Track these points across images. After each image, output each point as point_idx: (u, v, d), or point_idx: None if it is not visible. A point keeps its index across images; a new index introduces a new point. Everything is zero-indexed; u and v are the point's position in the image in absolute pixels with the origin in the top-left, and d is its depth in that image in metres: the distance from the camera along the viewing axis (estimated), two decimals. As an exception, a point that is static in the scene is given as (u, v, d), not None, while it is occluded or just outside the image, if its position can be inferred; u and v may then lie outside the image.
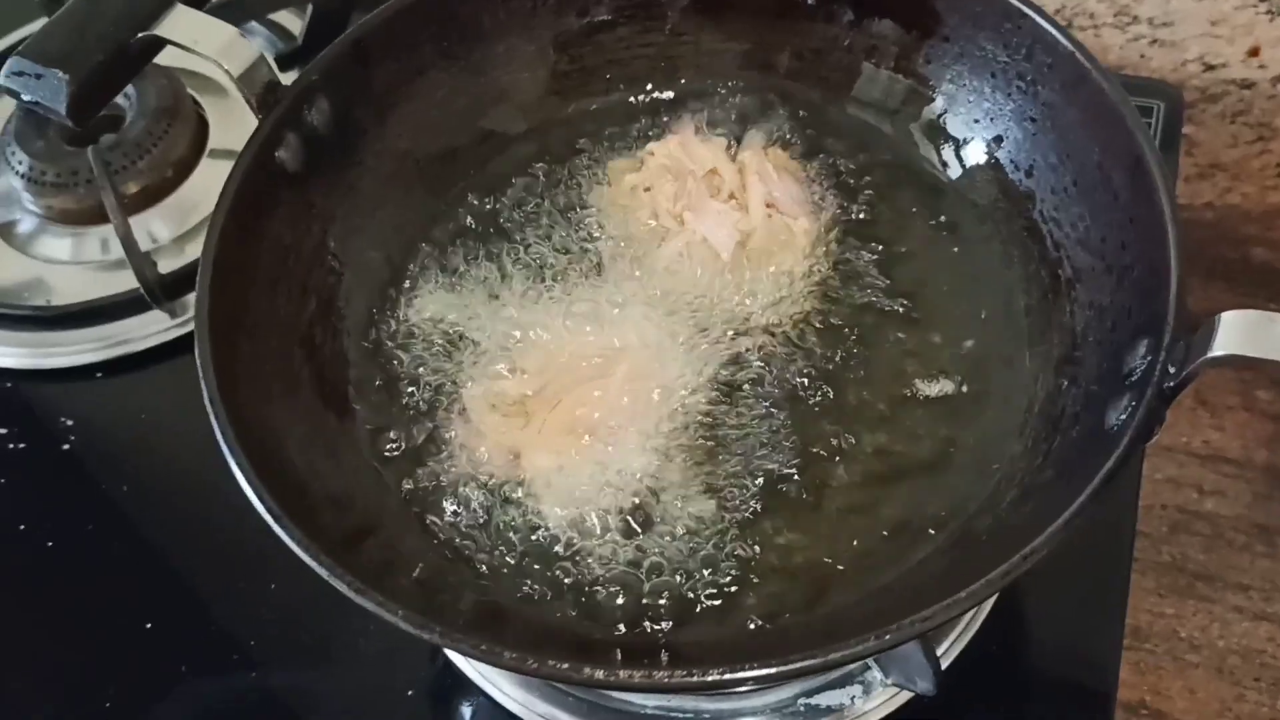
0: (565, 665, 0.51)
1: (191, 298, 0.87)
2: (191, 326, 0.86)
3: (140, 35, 0.68)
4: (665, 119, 0.81)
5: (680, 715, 0.69)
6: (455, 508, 0.66)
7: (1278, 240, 1.02)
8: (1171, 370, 0.55)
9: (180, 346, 0.88)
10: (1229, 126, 0.99)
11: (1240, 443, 0.89)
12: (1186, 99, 0.96)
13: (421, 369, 0.71)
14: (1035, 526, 0.54)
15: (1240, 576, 0.83)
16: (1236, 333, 0.53)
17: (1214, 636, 0.81)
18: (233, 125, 0.98)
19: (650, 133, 0.80)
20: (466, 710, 0.72)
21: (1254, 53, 0.93)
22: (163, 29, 0.69)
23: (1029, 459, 0.64)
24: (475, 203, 0.79)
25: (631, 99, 0.83)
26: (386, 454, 0.68)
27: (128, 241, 0.85)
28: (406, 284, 0.75)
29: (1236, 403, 0.91)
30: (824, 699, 0.69)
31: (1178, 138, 0.93)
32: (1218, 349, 0.53)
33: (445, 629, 0.53)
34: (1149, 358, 0.57)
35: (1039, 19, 0.70)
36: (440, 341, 0.72)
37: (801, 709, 0.69)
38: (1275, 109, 0.96)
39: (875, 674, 0.68)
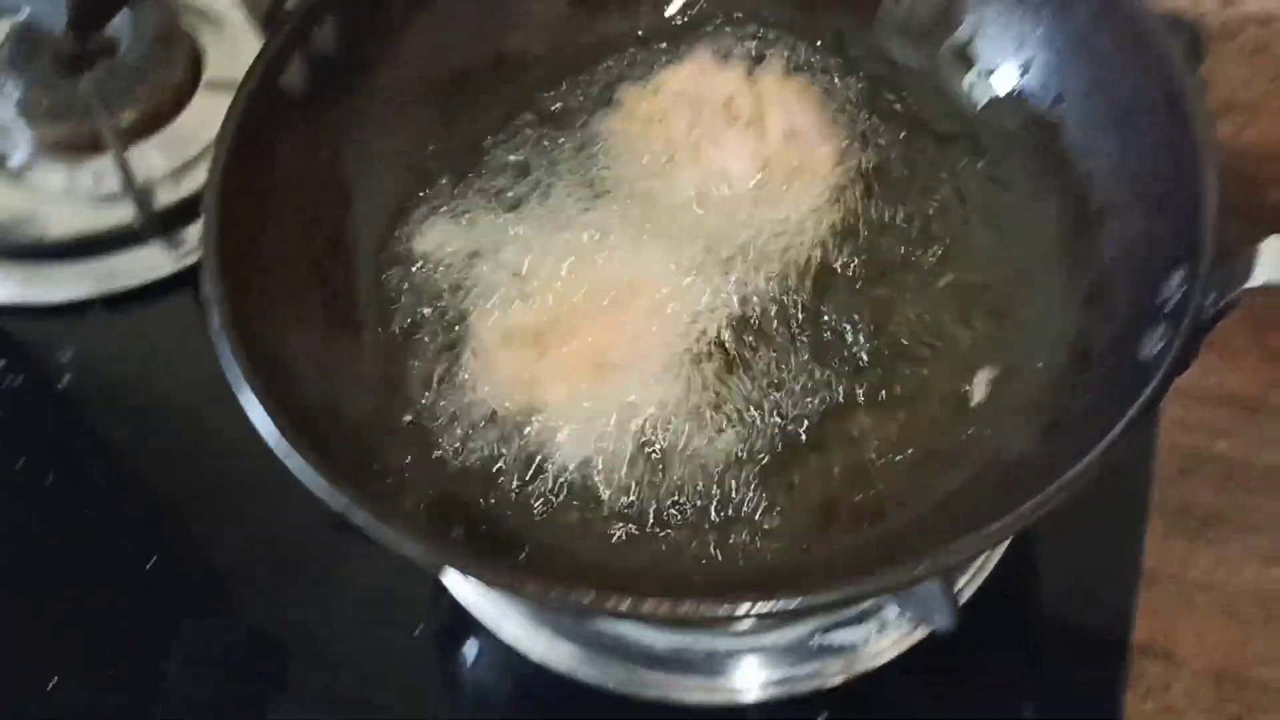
0: (588, 598, 0.50)
1: (190, 231, 0.87)
2: (191, 260, 0.86)
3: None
4: (681, 45, 0.79)
5: (692, 654, 0.69)
6: (469, 439, 0.65)
7: (1292, 181, 1.01)
8: (1210, 299, 0.54)
9: (179, 281, 0.87)
10: (1247, 64, 0.97)
11: (1254, 384, 0.88)
12: (1205, 35, 0.94)
13: (433, 299, 0.70)
14: (1067, 458, 0.53)
15: (1251, 519, 0.82)
16: (1278, 261, 0.52)
17: (1223, 579, 0.80)
18: (229, 56, 0.96)
19: (666, 59, 0.79)
20: (473, 649, 0.71)
21: (1275, -14, 0.92)
22: (164, -52, 0.67)
23: (1060, 390, 0.63)
24: (488, 129, 0.77)
25: (649, 23, 0.81)
26: (399, 385, 0.67)
27: (125, 171, 0.84)
28: (417, 212, 0.74)
29: (1248, 344, 0.90)
30: (839, 637, 0.68)
31: (1197, 75, 0.91)
32: (1259, 278, 0.53)
33: (463, 559, 0.53)
34: (1185, 287, 0.56)
35: (1070, -57, 0.68)
36: (452, 271, 0.71)
37: (815, 647, 0.68)
38: (1294, 46, 0.95)
39: (891, 611, 0.68)
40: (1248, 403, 0.88)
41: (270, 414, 0.55)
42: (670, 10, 0.81)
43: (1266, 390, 0.89)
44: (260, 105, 0.67)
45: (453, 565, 0.53)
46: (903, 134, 0.75)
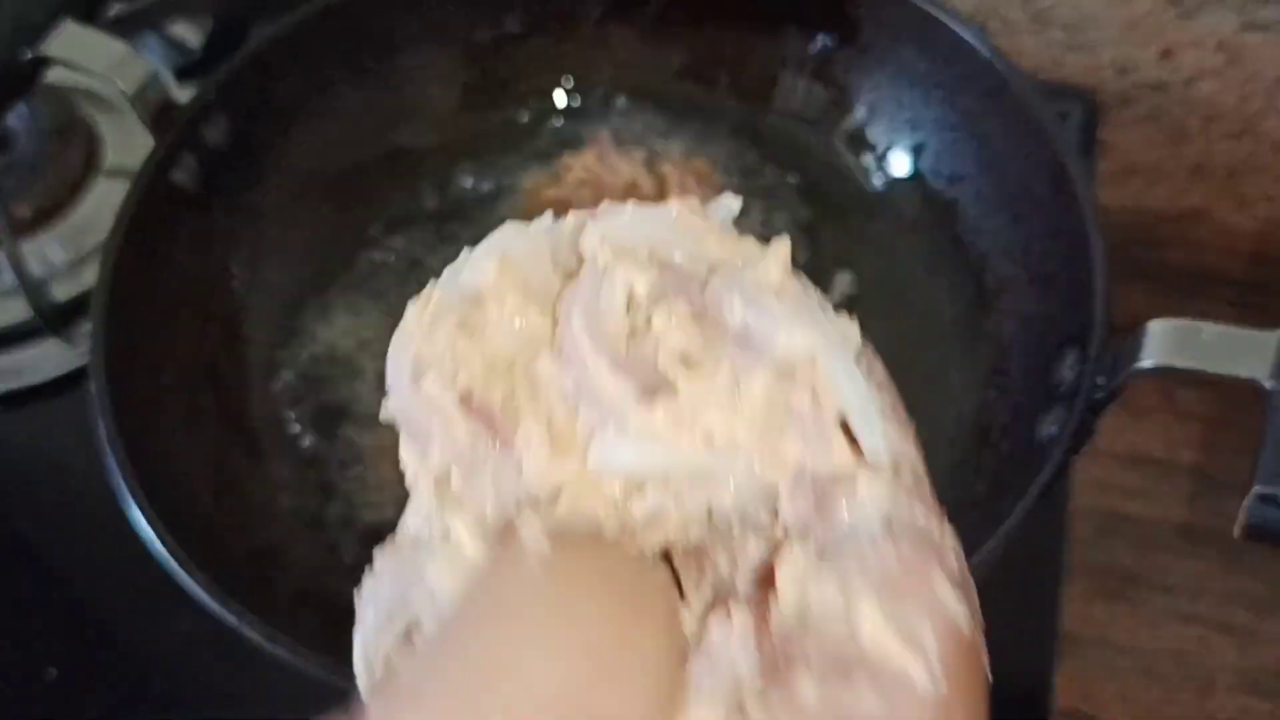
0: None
1: (89, 326, 0.85)
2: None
3: (28, 56, 0.66)
4: (581, 132, 0.79)
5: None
6: (373, 546, 0.63)
7: (1192, 241, 1.03)
8: (1100, 382, 0.55)
9: (81, 377, 0.84)
10: (1143, 129, 0.99)
11: (1163, 444, 0.89)
12: (1102, 103, 0.96)
13: (329, 397, 0.69)
14: (969, 542, 0.53)
15: (1167, 578, 0.83)
16: (1164, 343, 0.53)
17: (1143, 639, 0.81)
18: (128, 144, 0.94)
19: (566, 146, 0.78)
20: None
21: (1166, 55, 0.94)
22: (51, 48, 0.66)
23: (960, 473, 0.63)
24: (385, 222, 0.76)
25: (546, 112, 0.81)
26: (296, 486, 0.66)
27: (20, 267, 0.81)
28: (312, 308, 0.73)
29: (1158, 404, 0.92)
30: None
31: (1094, 142, 0.93)
32: (1146, 360, 0.53)
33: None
34: (1077, 369, 0.57)
35: (957, 28, 0.69)
36: (349, 369, 0.70)
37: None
38: (1188, 111, 0.97)
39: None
40: (1160, 462, 0.89)
41: (155, 526, 0.54)
42: (566, 97, 0.81)
43: (1178, 449, 0.90)
44: (151, 203, 0.66)
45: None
46: (802, 216, 0.75)
